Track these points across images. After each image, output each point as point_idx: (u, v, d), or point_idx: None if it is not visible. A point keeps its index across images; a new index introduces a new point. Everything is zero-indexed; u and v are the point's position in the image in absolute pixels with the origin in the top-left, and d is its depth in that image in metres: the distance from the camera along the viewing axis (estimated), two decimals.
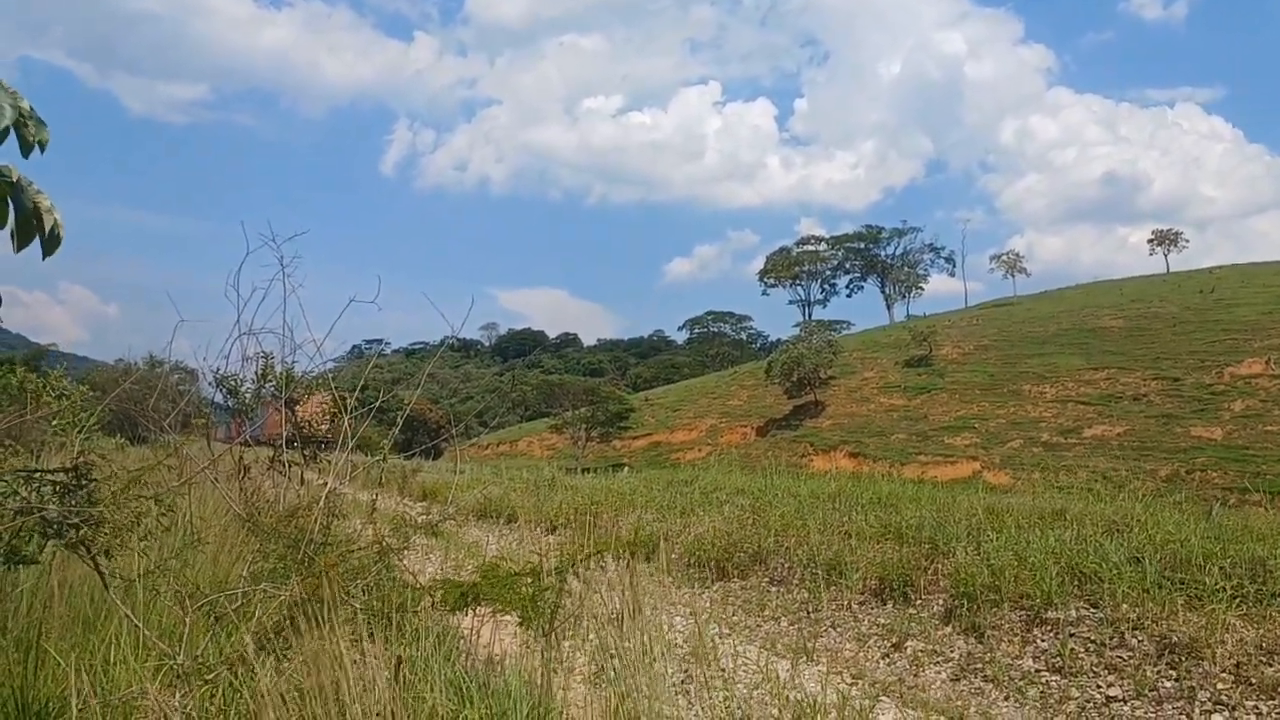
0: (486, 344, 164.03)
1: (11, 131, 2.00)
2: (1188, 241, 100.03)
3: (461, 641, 5.13)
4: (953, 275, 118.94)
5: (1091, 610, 7.52)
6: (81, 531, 3.72)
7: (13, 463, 4.84)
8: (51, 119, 2.10)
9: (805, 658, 7.93)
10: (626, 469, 36.52)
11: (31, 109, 2.00)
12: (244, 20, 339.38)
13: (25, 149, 2.04)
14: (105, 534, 3.87)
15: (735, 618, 9.59)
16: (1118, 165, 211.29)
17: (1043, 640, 7.44)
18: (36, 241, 2.14)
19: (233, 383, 7.48)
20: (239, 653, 3.71)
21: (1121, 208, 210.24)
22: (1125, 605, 7.34)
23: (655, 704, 3.98)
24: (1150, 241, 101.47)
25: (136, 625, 4.02)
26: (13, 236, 2.08)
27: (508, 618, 5.08)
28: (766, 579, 10.50)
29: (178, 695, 3.53)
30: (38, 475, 3.88)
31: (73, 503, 3.72)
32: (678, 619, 9.02)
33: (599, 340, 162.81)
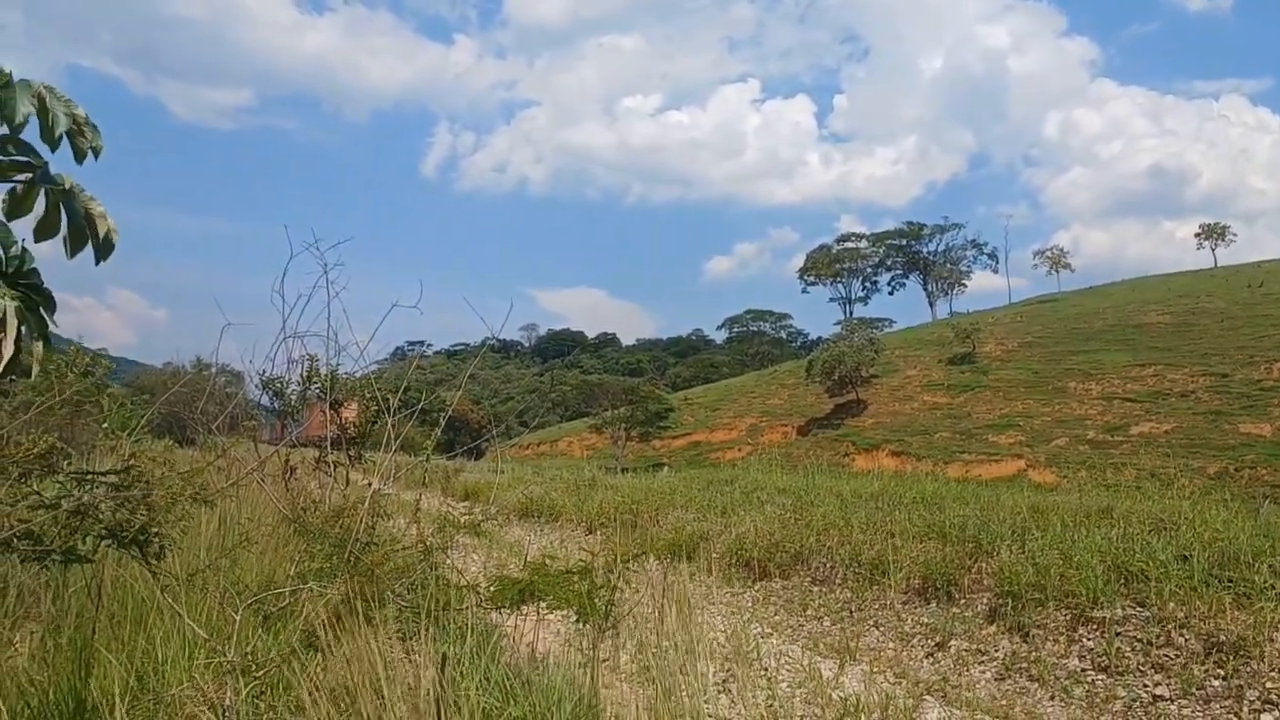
0: (526, 345, 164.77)
1: (65, 139, 2.06)
2: (1235, 235, 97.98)
3: (504, 639, 5.18)
4: (996, 271, 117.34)
5: (1138, 609, 7.42)
6: (134, 531, 3.81)
7: (53, 454, 4.95)
8: (101, 125, 2.16)
9: (848, 657, 7.89)
10: (666, 469, 36.50)
11: (86, 116, 2.06)
12: (287, 25, 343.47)
13: (79, 156, 2.10)
14: (157, 533, 3.95)
15: (777, 617, 9.57)
16: (1164, 158, 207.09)
17: (1089, 639, 7.35)
18: (89, 248, 2.19)
19: (278, 385, 7.59)
20: (287, 650, 3.78)
21: (1168, 201, 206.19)
22: (1172, 604, 7.24)
23: (698, 702, 3.99)
24: (1197, 235, 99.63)
25: (187, 623, 4.10)
26: (65, 243, 2.14)
27: (550, 616, 5.12)
28: (809, 578, 10.46)
29: (228, 691, 3.60)
30: (91, 476, 3.97)
31: (126, 503, 3.81)
32: (719, 618, 9.02)
33: (638, 340, 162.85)
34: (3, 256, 1.96)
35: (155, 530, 3.86)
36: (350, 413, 8.00)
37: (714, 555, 11.57)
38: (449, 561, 5.53)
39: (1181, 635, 6.95)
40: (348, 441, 7.28)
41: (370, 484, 6.15)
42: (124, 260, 2.19)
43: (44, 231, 2.09)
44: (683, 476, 22.15)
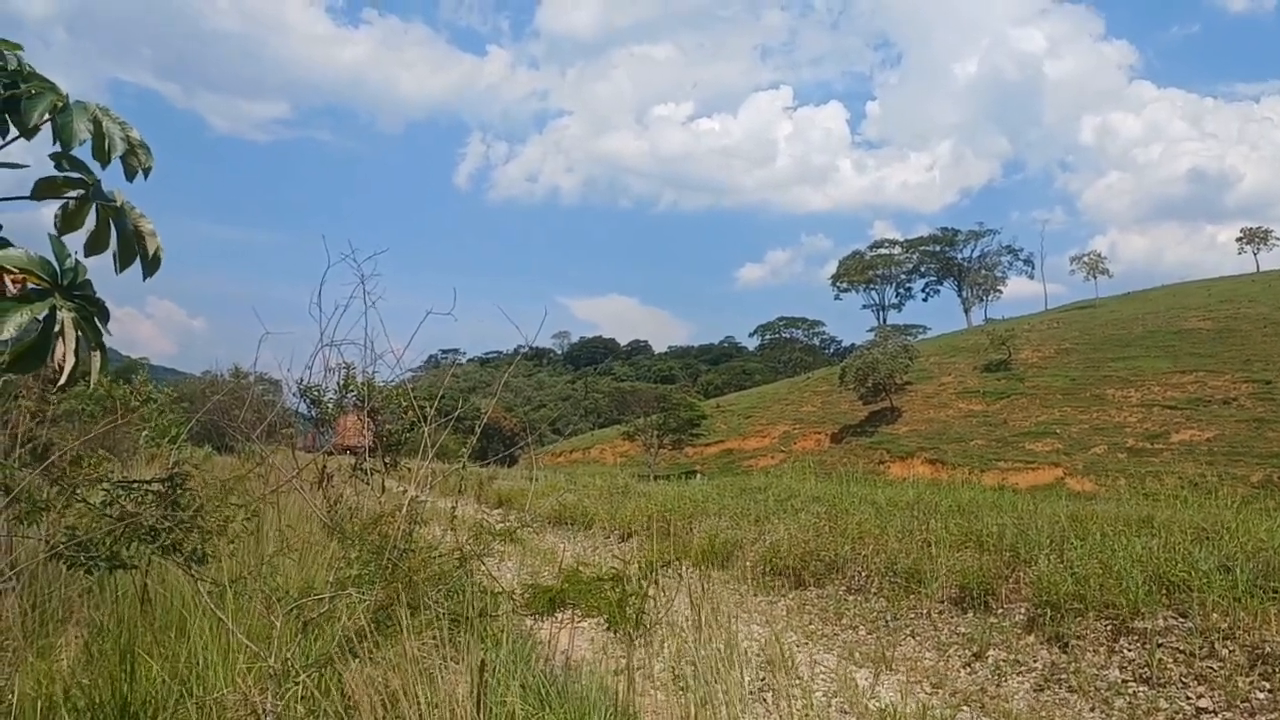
0: (559, 352, 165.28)
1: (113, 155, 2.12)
2: (1279, 239, 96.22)
3: (539, 646, 5.20)
4: (1032, 277, 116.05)
5: (1180, 620, 7.32)
6: (177, 537, 3.88)
7: (105, 468, 5.05)
8: (145, 139, 2.21)
9: (884, 666, 7.85)
10: (699, 476, 36.43)
11: (141, 139, 2.11)
12: (323, 38, 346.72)
13: (130, 175, 2.15)
14: (199, 540, 4.02)
15: (812, 626, 9.53)
16: (1205, 161, 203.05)
17: (1130, 650, 7.26)
18: (137, 263, 2.25)
19: (315, 393, 7.68)
20: (326, 655, 3.83)
21: (1209, 205, 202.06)
22: (1215, 614, 7.13)
23: (733, 711, 3.99)
24: (1239, 240, 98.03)
25: (229, 629, 4.16)
26: (115, 258, 2.19)
27: (584, 624, 5.14)
28: (844, 587, 10.42)
29: (268, 695, 3.65)
30: (137, 485, 4.04)
31: (170, 511, 3.87)
32: (754, 626, 9.00)
33: (670, 347, 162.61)
34: (58, 269, 2.02)
35: (200, 541, 3.92)
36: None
37: (748, 563, 11.55)
38: (484, 568, 5.57)
39: (1225, 647, 6.85)
40: (384, 449, 7.35)
41: (406, 491, 6.20)
42: (164, 271, 2.24)
43: (94, 247, 2.14)
44: (715, 484, 22.13)
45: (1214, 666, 6.73)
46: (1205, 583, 7.44)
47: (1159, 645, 7.11)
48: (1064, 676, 7.24)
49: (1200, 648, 6.92)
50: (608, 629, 4.48)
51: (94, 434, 4.83)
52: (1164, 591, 7.67)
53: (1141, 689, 6.81)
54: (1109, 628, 7.59)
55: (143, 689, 4.14)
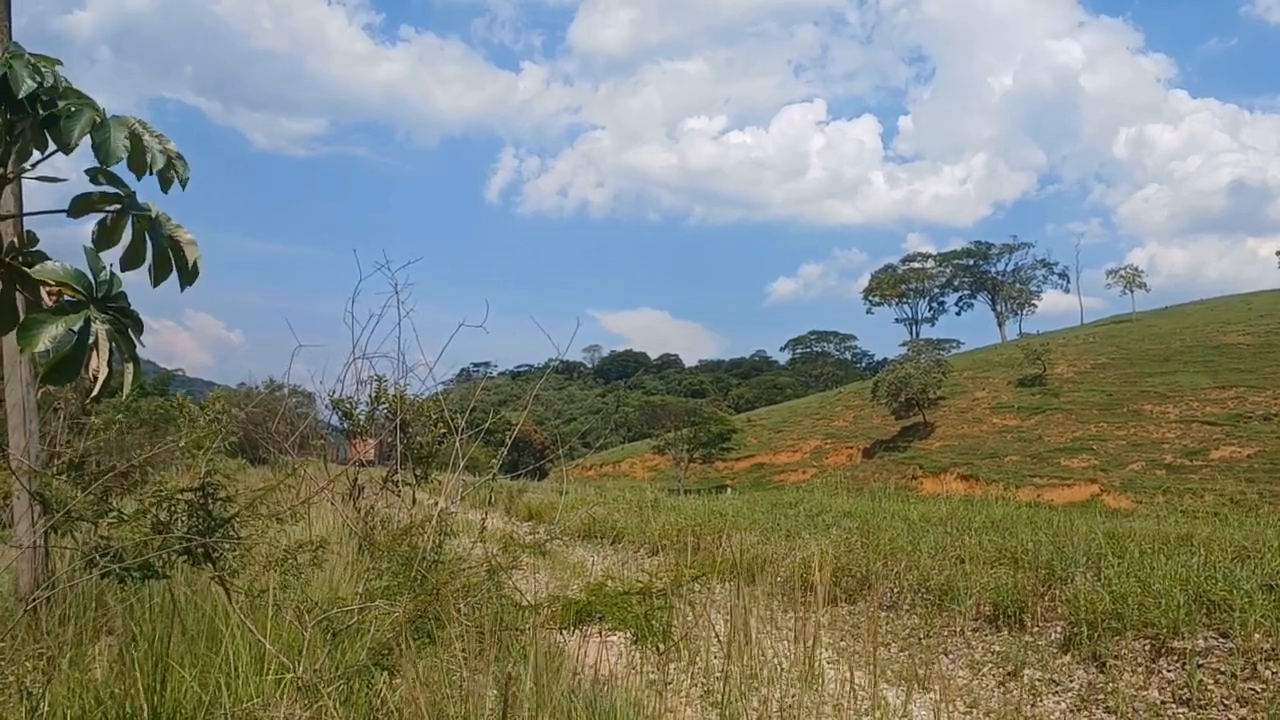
0: (589, 365, 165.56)
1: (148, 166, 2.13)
2: None
3: (568, 660, 5.18)
4: (1067, 291, 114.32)
5: (1221, 640, 7.18)
6: (211, 550, 3.90)
7: (142, 483, 5.10)
8: (183, 154, 2.23)
9: (917, 685, 7.75)
10: (729, 490, 36.35)
11: (178, 152, 2.13)
12: (361, 56, 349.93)
13: (165, 186, 2.17)
14: (232, 552, 4.04)
15: (843, 643, 9.44)
16: (1246, 174, 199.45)
17: (1169, 671, 7.13)
18: (174, 275, 2.26)
19: (347, 405, 7.73)
20: (357, 667, 3.83)
21: (1250, 218, 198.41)
22: (1258, 635, 6.99)
23: None
24: (1279, 253, 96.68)
25: (259, 639, 4.18)
26: (150, 272, 2.21)
27: (613, 638, 5.12)
28: (875, 604, 10.32)
29: (298, 707, 3.66)
30: (169, 495, 4.08)
31: (202, 521, 3.90)
32: (783, 643, 8.93)
33: (700, 361, 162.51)
34: (93, 282, 2.03)
35: (232, 553, 3.94)
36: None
37: (778, 579, 11.47)
38: (512, 582, 5.56)
39: (1268, 668, 6.71)
40: (413, 461, 7.38)
41: (436, 503, 6.22)
42: (202, 284, 2.26)
43: (130, 261, 2.16)
44: (746, 499, 22.08)
45: (1256, 688, 6.59)
46: (1247, 602, 7.30)
47: (1199, 666, 6.97)
48: (1101, 697, 7.11)
49: (1242, 669, 6.78)
50: (634, 643, 4.45)
51: (131, 451, 4.89)
52: (1204, 611, 7.53)
53: (1181, 711, 6.68)
54: (1148, 647, 7.46)
55: (173, 699, 4.16)
